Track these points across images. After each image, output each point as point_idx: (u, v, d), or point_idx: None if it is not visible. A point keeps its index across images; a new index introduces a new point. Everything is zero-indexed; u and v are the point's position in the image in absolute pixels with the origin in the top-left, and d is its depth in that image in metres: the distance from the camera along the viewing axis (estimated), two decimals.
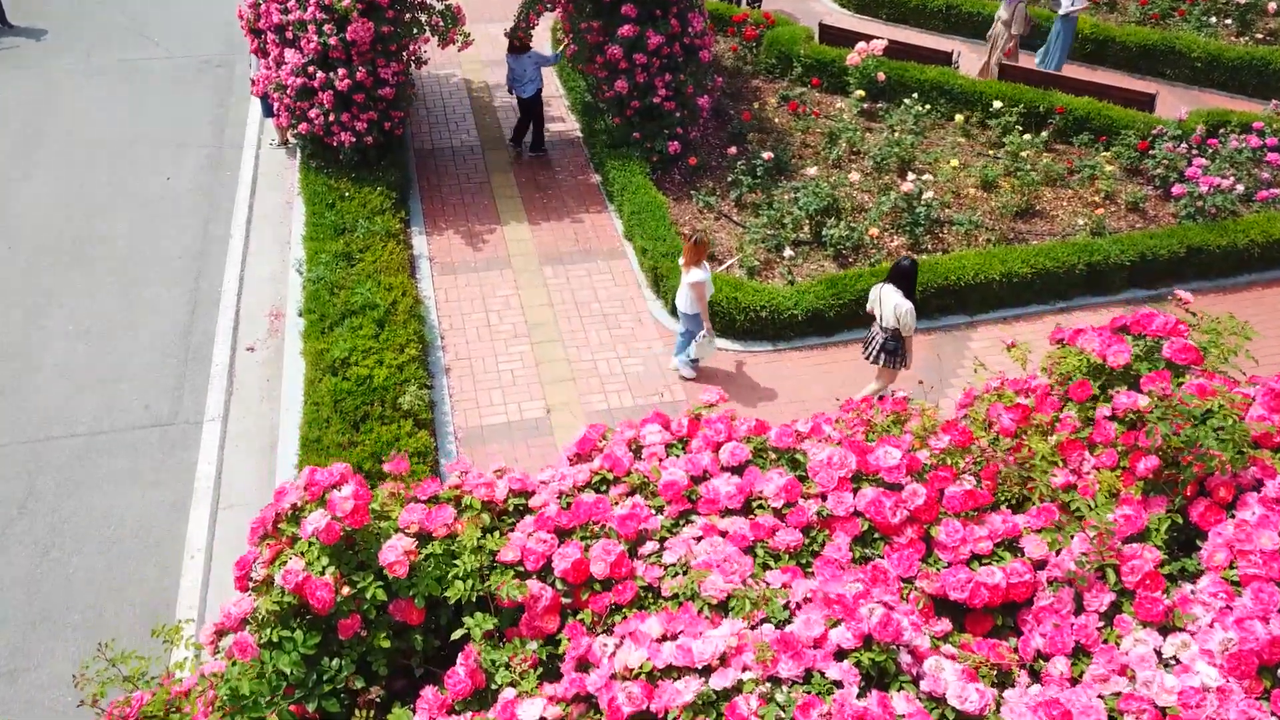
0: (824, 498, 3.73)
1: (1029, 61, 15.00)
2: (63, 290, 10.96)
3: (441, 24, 11.57)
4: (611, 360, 10.15)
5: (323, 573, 3.35)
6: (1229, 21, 15.96)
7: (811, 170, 11.93)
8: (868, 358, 9.01)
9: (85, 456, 9.10)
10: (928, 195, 11.30)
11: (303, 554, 3.40)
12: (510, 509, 3.96)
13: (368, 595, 3.42)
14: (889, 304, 8.60)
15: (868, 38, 14.13)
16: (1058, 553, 3.56)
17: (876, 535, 3.67)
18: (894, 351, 8.80)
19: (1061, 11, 14.26)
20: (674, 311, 10.51)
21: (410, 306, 9.93)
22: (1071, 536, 3.51)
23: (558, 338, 10.39)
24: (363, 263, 10.43)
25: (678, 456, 4.08)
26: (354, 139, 11.43)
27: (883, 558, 3.55)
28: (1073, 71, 14.71)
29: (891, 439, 3.81)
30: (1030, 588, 3.49)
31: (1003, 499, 3.81)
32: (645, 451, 4.15)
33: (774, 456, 3.97)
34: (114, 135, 13.65)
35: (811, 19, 16.99)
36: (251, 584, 3.61)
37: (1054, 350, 4.27)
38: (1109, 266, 10.76)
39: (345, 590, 3.37)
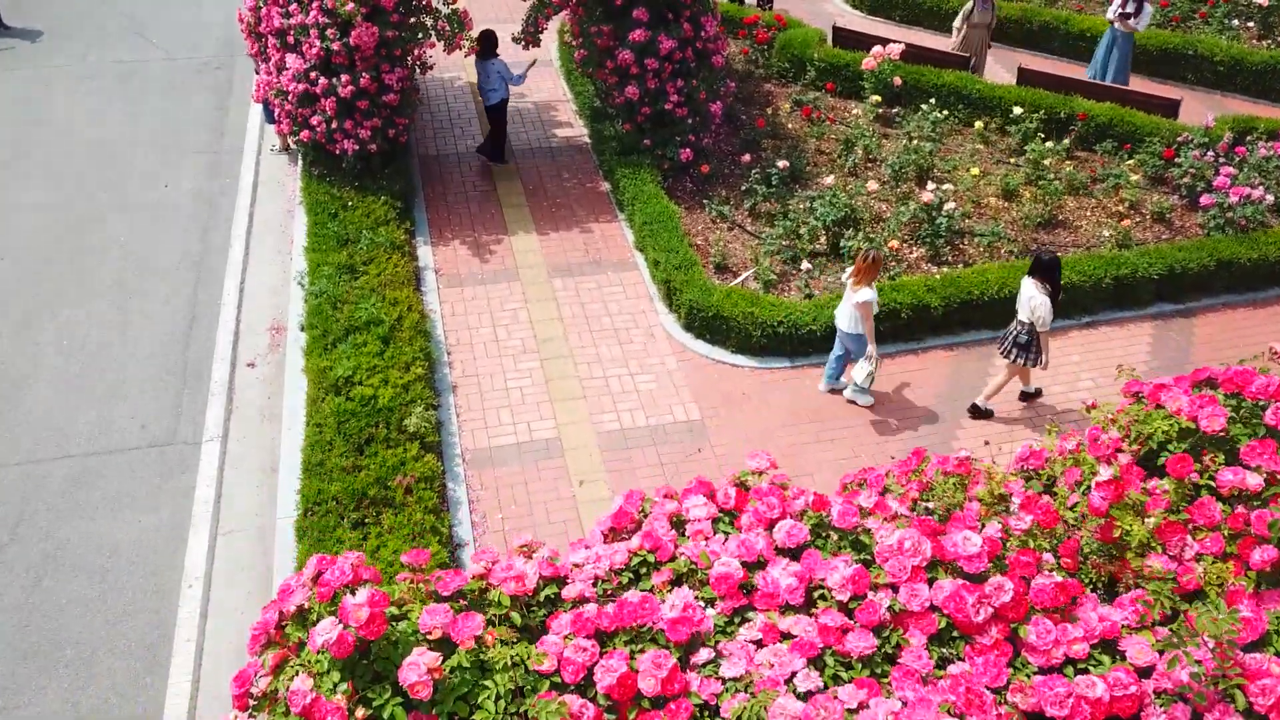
0: (895, 589, 3.38)
1: (1046, 65, 14.66)
2: (57, 302, 10.62)
3: (448, 28, 11.21)
4: (624, 377, 9.82)
5: (334, 691, 2.99)
6: (1251, 24, 15.61)
7: (828, 179, 11.59)
8: (1001, 351, 8.96)
9: (80, 479, 8.77)
10: (949, 206, 10.96)
11: (310, 666, 3.04)
12: (541, 599, 3.59)
13: (385, 715, 3.06)
14: (1024, 296, 8.54)
15: (883, 41, 13.79)
16: (1161, 653, 3.19)
17: (956, 633, 3.32)
18: (1026, 346, 8.71)
19: (1110, 16, 13.86)
20: (690, 326, 10.21)
21: (416, 322, 9.60)
22: (1180, 634, 3.14)
23: (568, 353, 10.06)
24: (366, 276, 10.10)
25: (726, 535, 3.72)
26: (357, 147, 11.09)
27: (963, 659, 3.20)
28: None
29: (965, 516, 3.44)
30: (1136, 701, 3.11)
31: (1087, 581, 3.47)
32: (689, 528, 3.77)
33: (835, 537, 3.61)
34: (111, 140, 13.31)
35: (823, 21, 16.66)
36: (252, 700, 3.19)
37: (1131, 406, 3.92)
38: (1136, 280, 10.43)
39: (360, 713, 3.01)
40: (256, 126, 13.67)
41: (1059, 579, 3.26)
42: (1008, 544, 3.46)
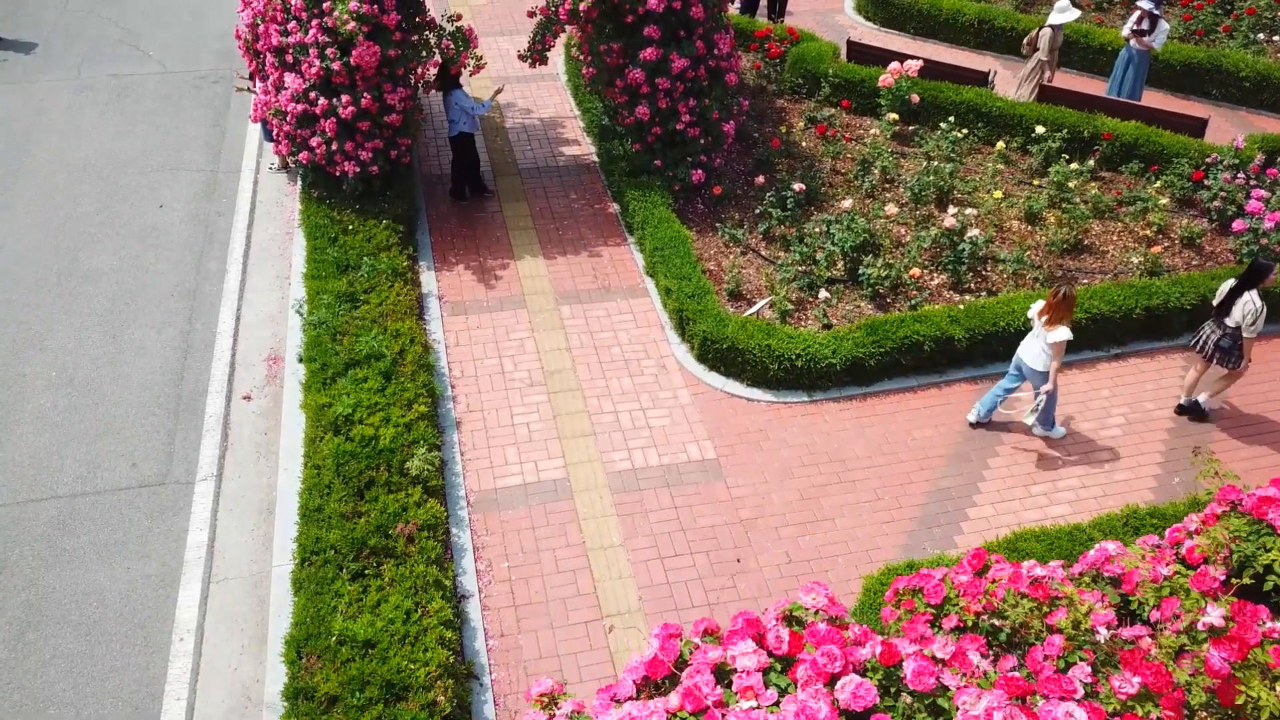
0: None
1: (1065, 79, 14.25)
2: (45, 332, 10.22)
3: (452, 46, 10.79)
4: (635, 412, 9.42)
5: None
6: (1277, 37, 15.19)
7: (846, 202, 11.17)
8: (1200, 353, 9.04)
9: (67, 523, 8.37)
10: (973, 233, 10.55)
11: None
12: None
13: None
14: (1240, 300, 8.58)
15: (899, 56, 13.38)
16: None
17: None
18: (1228, 350, 8.79)
19: (1125, 33, 13.39)
20: (704, 357, 9.80)
21: (419, 356, 9.20)
22: None
23: (576, 386, 9.66)
24: (368, 305, 9.69)
25: (779, 690, 3.29)
26: (358, 169, 10.69)
27: None
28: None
29: (1059, 684, 2.98)
30: None
31: None
32: (736, 681, 3.31)
33: (909, 699, 3.18)
34: (104, 158, 12.91)
35: (835, 33, 16.27)
36: None
37: (1229, 520, 3.49)
38: (1168, 310, 10.02)
39: None
40: (255, 143, 13.27)
41: None
42: (1101, 696, 3.03)
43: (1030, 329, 8.78)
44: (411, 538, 7.57)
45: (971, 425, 9.27)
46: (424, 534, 7.62)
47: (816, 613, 3.47)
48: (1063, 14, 12.99)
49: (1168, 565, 3.49)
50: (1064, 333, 8.22)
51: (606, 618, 7.60)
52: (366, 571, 7.37)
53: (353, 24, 9.75)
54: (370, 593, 7.17)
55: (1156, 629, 3.40)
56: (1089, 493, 8.72)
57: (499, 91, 11.74)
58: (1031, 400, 8.71)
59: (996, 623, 3.41)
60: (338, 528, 7.61)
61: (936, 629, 3.51)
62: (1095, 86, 14.25)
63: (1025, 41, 13.65)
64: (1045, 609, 3.38)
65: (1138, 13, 13.15)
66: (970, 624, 3.48)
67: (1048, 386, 8.47)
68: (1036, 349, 8.48)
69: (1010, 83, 14.89)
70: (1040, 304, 8.48)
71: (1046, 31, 13.21)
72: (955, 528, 8.37)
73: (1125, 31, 13.35)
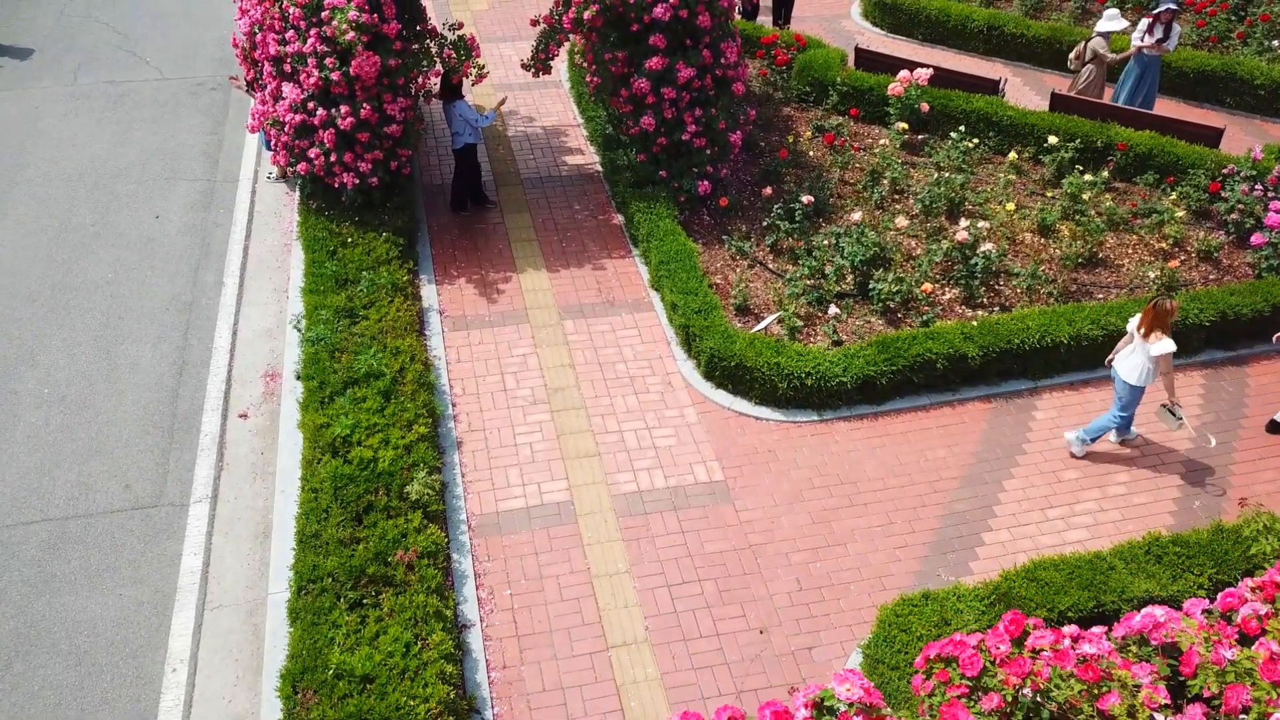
0: None
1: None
2: (38, 347, 9.99)
3: (453, 55, 10.56)
4: (640, 431, 9.19)
5: None
6: None
7: (855, 215, 10.93)
8: None
9: (57, 547, 8.14)
10: (986, 247, 10.31)
11: None
12: None
13: None
14: None
15: (908, 64, 13.15)
16: None
17: None
18: None
19: (1136, 41, 13.09)
20: (710, 375, 9.57)
21: (419, 374, 8.97)
22: None
23: (580, 404, 9.42)
24: (367, 321, 9.47)
25: None
26: (357, 180, 10.46)
27: None
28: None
29: None
30: None
31: None
32: None
33: None
34: (99, 167, 12.68)
35: (842, 38, 16.05)
36: None
37: None
38: (1187, 327, 9.77)
39: None
40: (253, 152, 13.05)
41: None
42: None
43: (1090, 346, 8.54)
44: (411, 565, 7.35)
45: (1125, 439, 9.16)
46: (424, 561, 7.39)
47: (851, 705, 3.22)
48: (1112, 22, 12.77)
49: (1230, 648, 3.25)
50: (1167, 344, 8.05)
51: (612, 649, 7.37)
52: (365, 601, 7.15)
53: (352, 33, 9.52)
54: (369, 624, 6.95)
55: (1212, 705, 3.19)
56: (1107, 517, 8.48)
57: (503, 102, 11.52)
58: (1182, 423, 8.48)
59: (1039, 700, 3.18)
60: (335, 554, 7.39)
61: (973, 706, 3.28)
62: (1106, 93, 14.00)
63: (1073, 55, 13.34)
64: (1096, 691, 3.14)
65: (1148, 20, 12.88)
66: (1010, 699, 3.25)
67: (1174, 398, 8.33)
68: (1133, 363, 8.33)
69: (1023, 89, 14.70)
70: (1138, 317, 8.34)
71: (1098, 40, 12.94)
72: (970, 553, 8.13)
73: (1135, 40, 13.06)
